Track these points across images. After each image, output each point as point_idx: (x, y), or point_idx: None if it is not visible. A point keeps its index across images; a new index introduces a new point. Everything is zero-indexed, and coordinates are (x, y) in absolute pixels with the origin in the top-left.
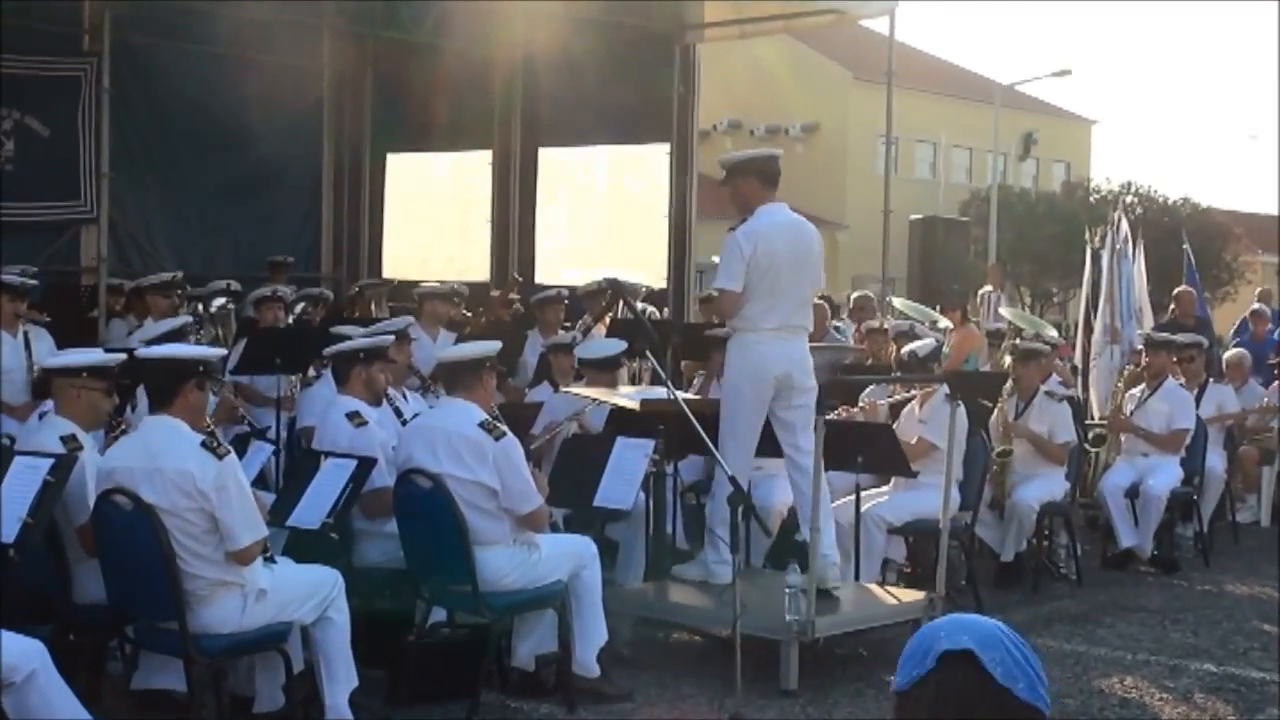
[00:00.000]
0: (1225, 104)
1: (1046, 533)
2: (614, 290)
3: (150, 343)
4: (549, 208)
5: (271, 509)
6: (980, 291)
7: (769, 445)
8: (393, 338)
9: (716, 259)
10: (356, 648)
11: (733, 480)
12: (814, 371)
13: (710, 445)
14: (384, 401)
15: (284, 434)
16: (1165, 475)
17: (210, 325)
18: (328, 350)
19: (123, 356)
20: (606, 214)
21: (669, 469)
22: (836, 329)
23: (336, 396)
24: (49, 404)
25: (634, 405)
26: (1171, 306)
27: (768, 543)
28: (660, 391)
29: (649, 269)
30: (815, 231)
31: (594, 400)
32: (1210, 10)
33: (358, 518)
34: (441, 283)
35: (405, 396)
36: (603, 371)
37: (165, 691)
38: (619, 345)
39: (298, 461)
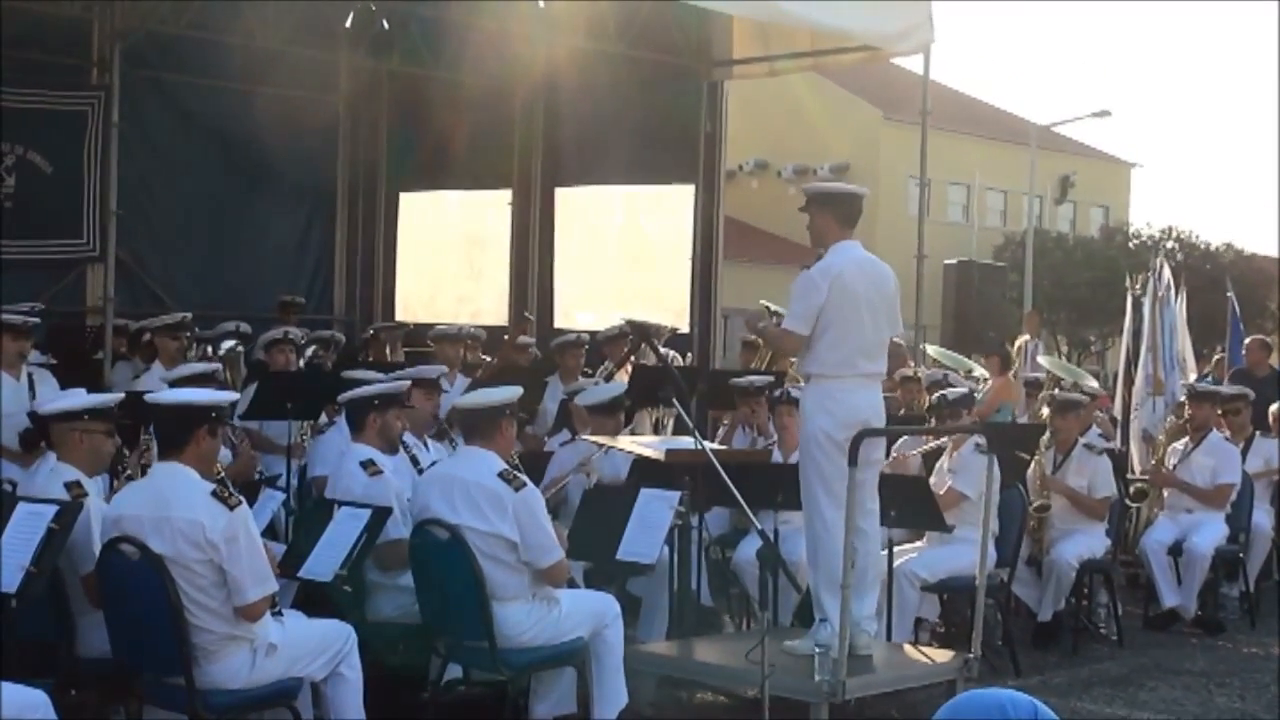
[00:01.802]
0: (1270, 147)
1: (1086, 591)
2: (637, 333)
3: (173, 386)
4: (567, 249)
5: (282, 560)
6: (1018, 341)
7: (797, 498)
8: (409, 383)
9: (763, 304)
10: (369, 705)
11: (762, 534)
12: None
13: (739, 496)
14: (400, 449)
15: (294, 482)
16: (1210, 532)
17: (219, 368)
18: (341, 396)
19: (120, 396)
20: (627, 256)
21: (694, 522)
22: None
23: (350, 444)
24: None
25: (659, 455)
26: (1218, 357)
27: (796, 599)
28: (686, 441)
29: (671, 312)
30: (891, 272)
31: (604, 448)
32: (1254, 52)
33: (371, 570)
34: (459, 327)
35: (427, 446)
36: (606, 416)
37: None
38: (619, 387)
39: (309, 511)
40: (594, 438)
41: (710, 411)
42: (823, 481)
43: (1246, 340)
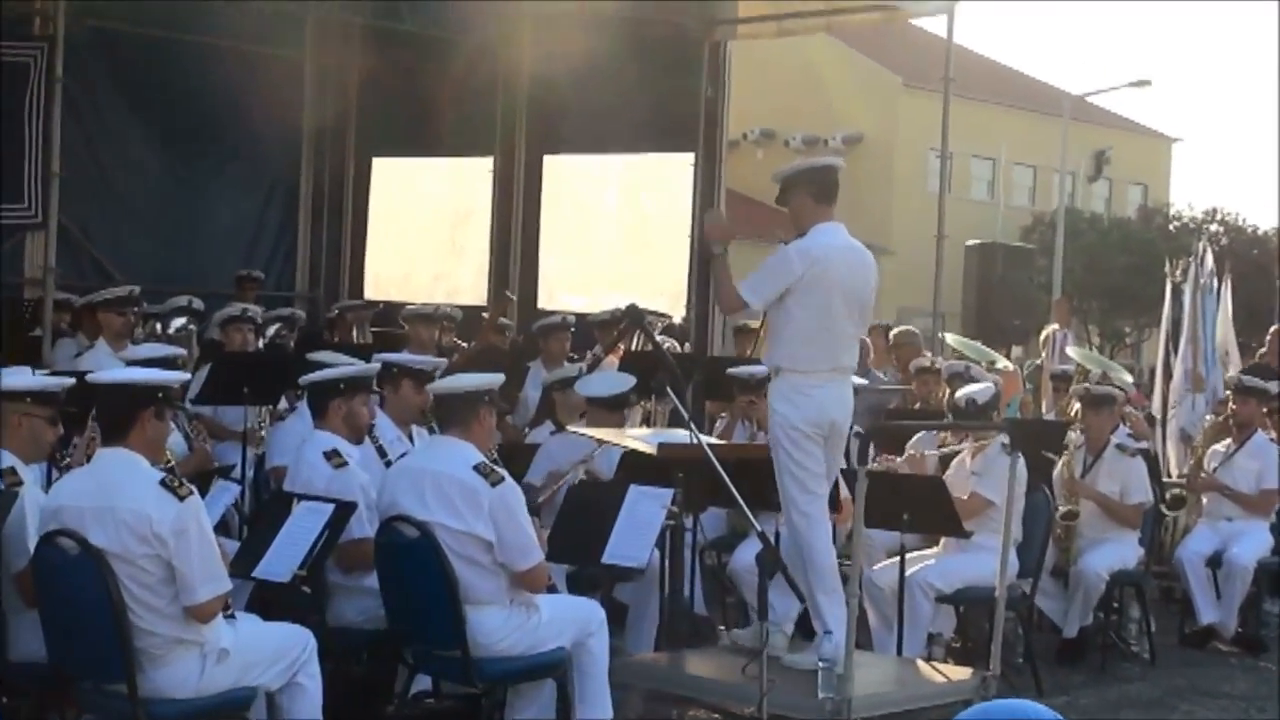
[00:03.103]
0: None
1: (1116, 605)
2: (631, 319)
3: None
4: (554, 223)
5: (236, 558)
6: (1045, 331)
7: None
8: (377, 367)
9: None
10: (329, 718)
11: (763, 537)
12: (855, 416)
13: (737, 496)
14: (366, 439)
15: (250, 473)
16: (1253, 542)
17: (184, 353)
18: (303, 379)
19: (71, 381)
20: (619, 232)
21: (688, 523)
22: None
23: (312, 432)
24: None
25: (650, 449)
26: (1262, 349)
27: (798, 609)
28: (681, 434)
29: (667, 295)
30: (874, 262)
31: (599, 442)
32: None
33: (333, 570)
34: (434, 307)
35: (411, 439)
36: (609, 411)
37: None
38: (627, 380)
39: (266, 505)
40: (587, 430)
41: (707, 403)
42: (795, 478)
43: (1272, 329)
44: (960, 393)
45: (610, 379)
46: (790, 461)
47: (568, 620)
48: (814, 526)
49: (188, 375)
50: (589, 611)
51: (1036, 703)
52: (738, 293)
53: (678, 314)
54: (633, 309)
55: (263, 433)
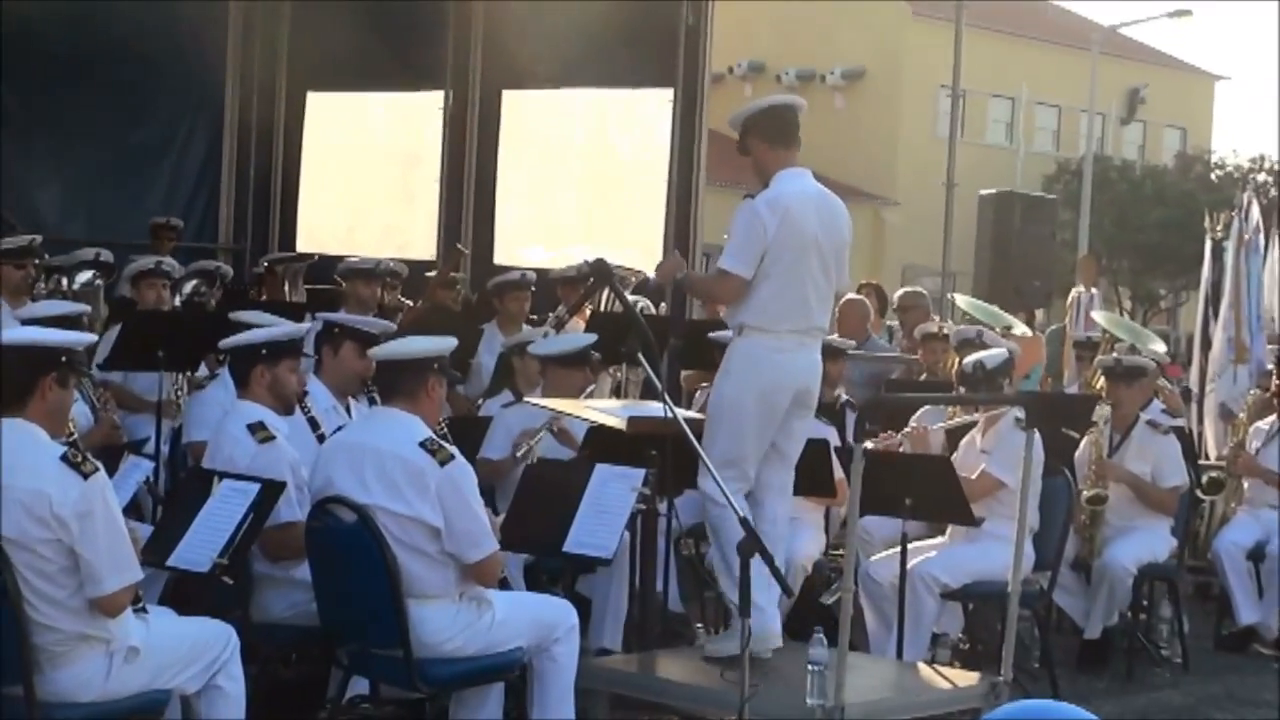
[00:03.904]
0: None
1: (1145, 603)
2: (598, 273)
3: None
4: (513, 167)
5: (147, 545)
6: (1071, 294)
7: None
8: (305, 328)
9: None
10: None
11: (745, 524)
12: (851, 388)
13: (716, 476)
14: (296, 410)
15: (165, 448)
16: None
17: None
18: (224, 343)
19: None
20: (587, 178)
21: (662, 508)
22: (889, 331)
23: (235, 402)
24: None
25: (619, 424)
26: None
27: (787, 605)
28: (654, 407)
29: (642, 249)
30: (846, 211)
31: (559, 414)
32: None
33: (259, 559)
34: (376, 262)
35: (350, 411)
36: (570, 370)
37: None
38: (585, 337)
39: (183, 484)
40: (546, 401)
41: (685, 373)
42: (731, 459)
43: None
44: (969, 359)
45: (566, 337)
46: (727, 437)
47: (527, 621)
48: (728, 523)
49: (94, 337)
50: (557, 614)
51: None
52: (727, 275)
53: (652, 270)
54: (600, 264)
55: (179, 403)
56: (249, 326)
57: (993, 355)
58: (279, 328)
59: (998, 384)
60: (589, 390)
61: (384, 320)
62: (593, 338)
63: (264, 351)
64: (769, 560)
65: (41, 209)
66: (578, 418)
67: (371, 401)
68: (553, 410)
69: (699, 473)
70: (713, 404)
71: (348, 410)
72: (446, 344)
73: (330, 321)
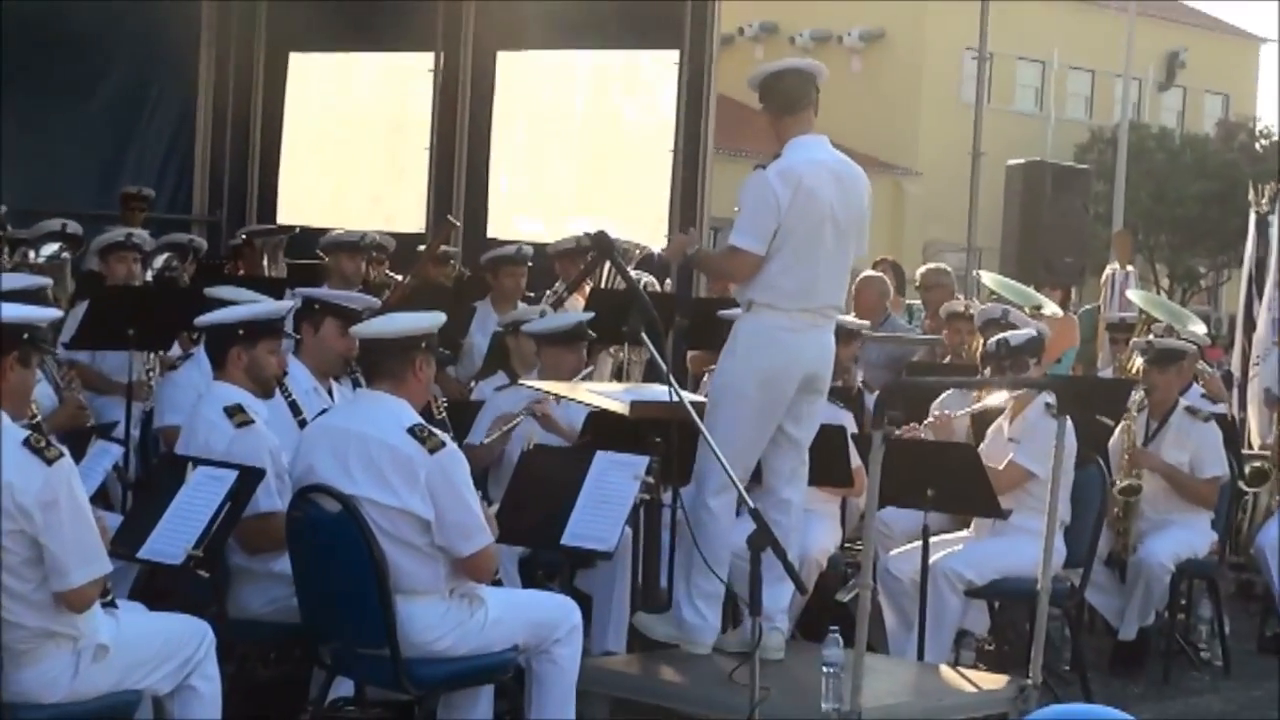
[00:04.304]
0: None
1: (1183, 602)
2: (598, 247)
3: None
4: (509, 134)
5: (116, 535)
6: (1105, 271)
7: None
8: (288, 305)
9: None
10: None
11: (756, 515)
12: (870, 370)
13: (725, 465)
14: (276, 393)
15: (136, 432)
16: None
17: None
18: (199, 321)
19: None
20: (588, 145)
21: (666, 498)
22: (910, 311)
23: (211, 384)
24: None
25: (621, 408)
26: None
27: (800, 602)
28: (658, 391)
29: (645, 223)
30: (865, 178)
31: (555, 397)
32: None
33: (236, 552)
34: (361, 234)
35: (332, 394)
36: (566, 348)
37: None
38: (581, 315)
39: (155, 471)
40: (542, 384)
41: (692, 354)
42: (733, 444)
43: None
44: (994, 338)
45: (560, 315)
46: (731, 421)
47: (524, 621)
48: (717, 516)
49: (60, 313)
50: (559, 613)
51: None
52: (738, 252)
53: (657, 244)
54: (601, 236)
55: (151, 384)
56: (224, 303)
57: (1018, 333)
58: (258, 306)
59: (1024, 364)
60: (586, 373)
61: (368, 295)
62: (588, 315)
63: (241, 331)
64: (781, 555)
65: (2, 177)
66: (576, 401)
67: (355, 384)
68: (548, 393)
69: (698, 456)
70: (714, 385)
71: (329, 392)
72: (434, 320)
73: (310, 297)
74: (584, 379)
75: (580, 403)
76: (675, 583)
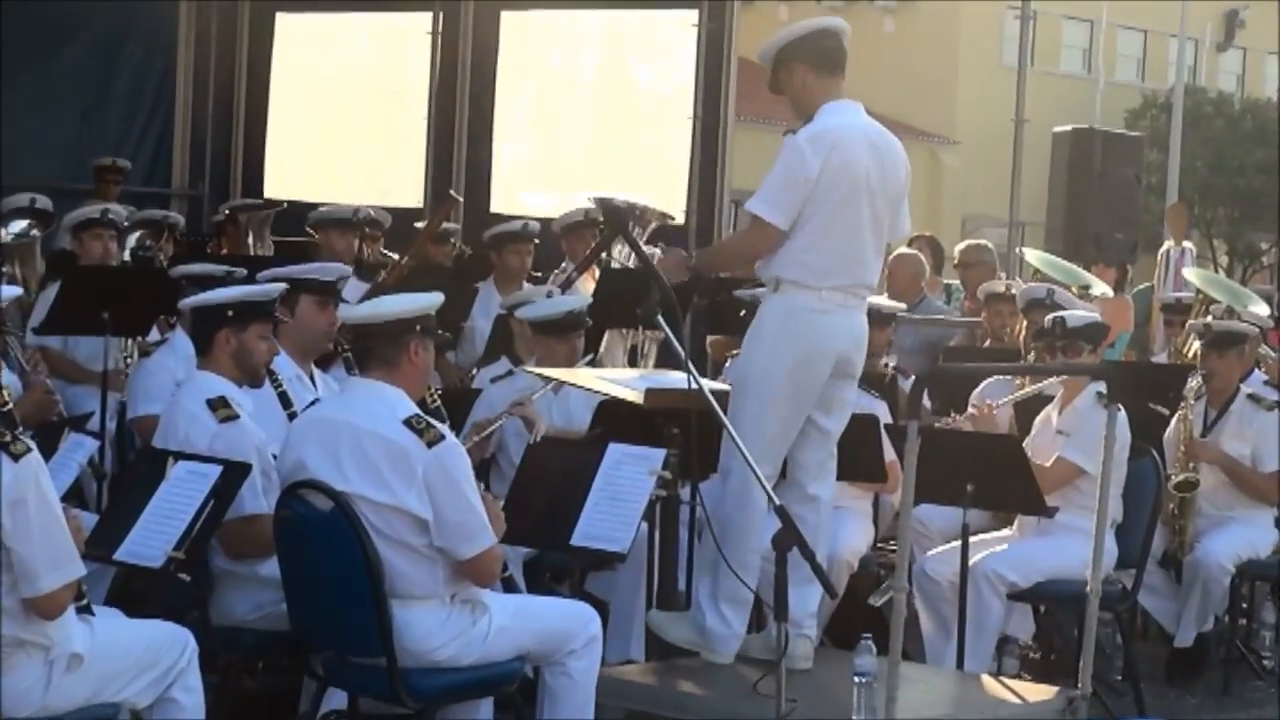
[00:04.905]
0: None
1: (1244, 605)
2: (610, 221)
3: None
4: (513, 100)
5: (91, 536)
6: (1164, 247)
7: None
8: (282, 287)
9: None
10: None
11: (781, 513)
12: (905, 355)
13: (748, 458)
14: (265, 383)
15: (113, 424)
16: None
17: (7, 260)
18: (184, 303)
19: None
20: (600, 112)
21: (685, 494)
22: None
23: (193, 373)
24: None
25: (635, 396)
26: None
27: (830, 607)
28: (676, 378)
29: (662, 196)
30: (902, 149)
31: (556, 382)
32: None
33: (219, 554)
34: (354, 209)
35: (314, 380)
36: (556, 340)
37: None
38: (580, 299)
39: (132, 466)
40: (546, 371)
41: (712, 338)
42: (761, 436)
43: None
44: (1049, 318)
45: (555, 301)
46: (757, 410)
47: (533, 630)
48: (748, 507)
49: (17, 289)
50: (574, 622)
51: None
52: (760, 224)
53: (676, 217)
54: (613, 208)
55: (128, 372)
56: (196, 283)
57: (1077, 314)
58: (249, 286)
59: (1079, 349)
60: (589, 359)
61: (338, 264)
62: (583, 300)
63: (231, 313)
64: (809, 555)
65: None
66: (584, 388)
67: (349, 368)
68: (550, 379)
69: (723, 449)
70: (739, 371)
71: (312, 379)
72: (431, 301)
73: (275, 277)
74: (591, 364)
75: (590, 390)
76: (697, 583)
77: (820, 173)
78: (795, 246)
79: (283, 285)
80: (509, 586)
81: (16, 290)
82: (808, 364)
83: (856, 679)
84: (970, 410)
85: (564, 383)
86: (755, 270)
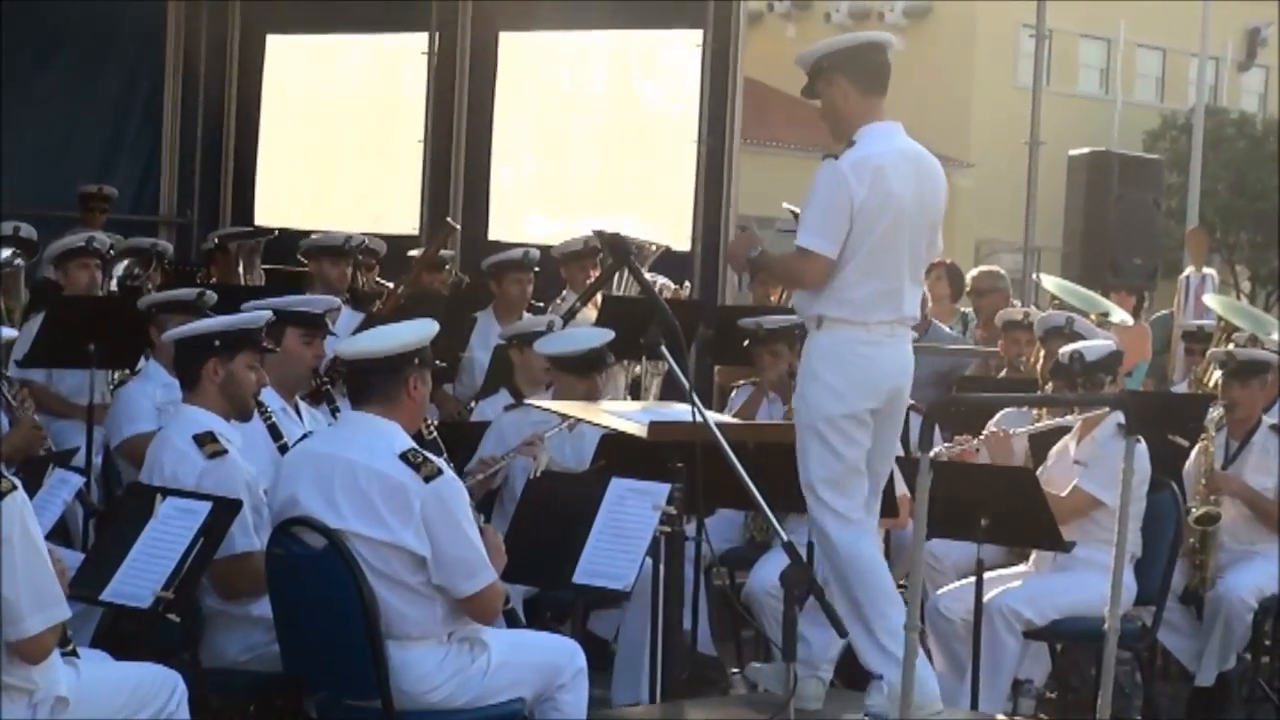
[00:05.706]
0: None
1: (1268, 643)
2: (612, 251)
3: None
4: (513, 124)
5: (76, 576)
6: (1182, 275)
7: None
8: (268, 316)
9: (788, 210)
10: None
11: (790, 549)
12: (916, 387)
13: (755, 493)
14: (254, 416)
15: (98, 460)
16: None
17: None
18: (169, 334)
19: None
20: (602, 136)
21: (690, 530)
22: (962, 318)
23: (179, 408)
24: None
25: (639, 429)
26: None
27: (840, 646)
28: (680, 410)
29: (666, 220)
30: (942, 174)
31: (567, 419)
32: None
33: (210, 593)
34: (346, 237)
35: (299, 413)
36: (577, 376)
37: None
38: (602, 334)
39: (119, 503)
40: (550, 404)
41: (718, 369)
42: (828, 478)
43: None
44: (1065, 349)
45: (579, 333)
46: (825, 451)
47: (528, 665)
48: (857, 536)
49: (14, 332)
50: (562, 655)
51: None
52: (808, 255)
53: (679, 243)
54: (615, 239)
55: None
56: (167, 310)
57: (1095, 346)
58: (235, 315)
59: (1099, 383)
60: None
61: (328, 296)
62: (606, 335)
63: (217, 343)
64: (818, 593)
65: None
66: (590, 423)
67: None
68: (557, 414)
69: (806, 503)
70: (799, 415)
71: (298, 412)
72: (426, 330)
73: (260, 307)
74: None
75: (594, 424)
76: (852, 636)
77: (863, 202)
78: (839, 283)
79: (268, 314)
80: (511, 618)
81: (14, 332)
82: (866, 396)
83: (868, 718)
84: (987, 434)
85: (577, 420)
86: (794, 304)
